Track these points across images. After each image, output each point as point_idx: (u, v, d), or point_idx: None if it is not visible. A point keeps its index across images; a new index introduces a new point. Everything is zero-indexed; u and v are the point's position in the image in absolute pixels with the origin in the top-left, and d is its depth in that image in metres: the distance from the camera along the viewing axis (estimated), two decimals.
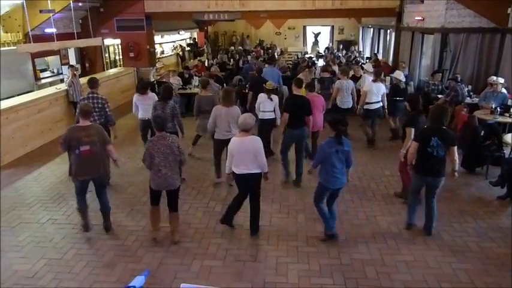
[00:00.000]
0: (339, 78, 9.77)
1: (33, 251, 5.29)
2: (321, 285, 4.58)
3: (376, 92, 9.02)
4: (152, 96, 8.00)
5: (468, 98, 10.12)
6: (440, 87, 10.98)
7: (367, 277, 4.73)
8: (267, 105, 7.93)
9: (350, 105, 9.54)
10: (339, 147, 5.13)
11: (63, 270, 4.89)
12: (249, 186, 5.48)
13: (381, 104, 9.14)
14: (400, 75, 9.78)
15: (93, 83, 7.14)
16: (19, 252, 5.26)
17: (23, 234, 5.66)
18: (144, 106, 7.83)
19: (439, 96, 10.65)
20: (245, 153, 5.21)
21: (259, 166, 5.29)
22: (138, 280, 1.72)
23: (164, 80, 11.54)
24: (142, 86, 8.17)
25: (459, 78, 10.27)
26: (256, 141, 5.23)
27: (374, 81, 9.21)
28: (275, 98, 8.03)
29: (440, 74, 11.23)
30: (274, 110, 7.98)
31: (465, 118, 8.55)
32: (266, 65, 12.20)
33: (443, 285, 4.56)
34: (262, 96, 8.03)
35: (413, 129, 5.93)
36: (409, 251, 5.21)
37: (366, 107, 9.12)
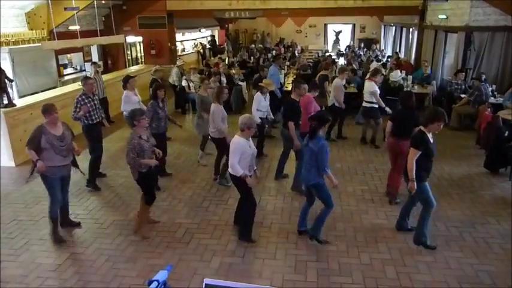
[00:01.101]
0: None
1: (56, 245, 5.39)
2: (340, 284, 4.56)
3: (366, 91, 9.00)
4: (125, 92, 8.11)
5: (492, 98, 9.93)
6: (463, 86, 10.80)
7: (386, 277, 4.68)
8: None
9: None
10: (309, 142, 5.06)
11: (85, 264, 4.99)
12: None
13: (370, 104, 8.91)
14: (395, 73, 9.72)
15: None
16: (42, 246, 5.38)
17: (46, 228, 5.76)
18: None
19: (462, 95, 10.48)
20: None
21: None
22: (161, 274, 1.73)
23: (157, 78, 10.76)
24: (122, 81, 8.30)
25: (483, 78, 10.09)
26: (231, 142, 5.15)
27: (368, 79, 9.22)
28: (255, 95, 8.21)
29: (464, 74, 11.03)
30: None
31: (489, 118, 8.40)
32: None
33: (465, 287, 4.49)
34: None
35: (391, 123, 6.29)
36: (430, 251, 5.13)
37: None
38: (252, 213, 5.40)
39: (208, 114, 7.42)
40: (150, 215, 5.91)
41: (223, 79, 11.93)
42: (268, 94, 8.31)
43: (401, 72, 12.12)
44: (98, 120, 7.15)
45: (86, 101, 6.92)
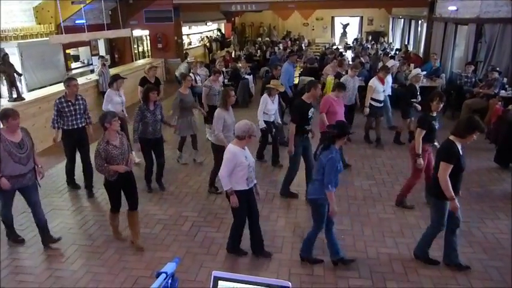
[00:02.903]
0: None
1: (64, 237, 5.41)
2: (346, 279, 4.55)
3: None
4: (108, 90, 7.82)
5: (503, 91, 9.80)
6: (473, 79, 10.67)
7: (394, 272, 4.67)
8: None
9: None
10: (320, 153, 4.56)
11: (94, 256, 5.02)
12: None
13: (373, 101, 8.61)
14: (416, 71, 9.49)
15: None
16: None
17: (55, 221, 5.82)
18: None
19: (474, 89, 10.33)
20: None
21: None
22: (169, 267, 1.73)
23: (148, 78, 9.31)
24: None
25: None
26: (226, 152, 4.64)
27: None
28: (262, 97, 7.66)
29: (473, 66, 10.89)
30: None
31: (499, 112, 8.31)
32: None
33: (474, 283, 4.45)
34: None
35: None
36: (438, 246, 5.05)
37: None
38: (237, 230, 4.92)
39: (189, 114, 7.42)
40: (119, 230, 5.46)
41: (221, 78, 11.44)
42: (277, 96, 7.69)
43: (409, 65, 12.02)
44: (79, 126, 6.51)
45: (65, 104, 6.33)
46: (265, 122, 7.51)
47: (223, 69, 12.10)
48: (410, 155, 6.02)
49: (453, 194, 4.32)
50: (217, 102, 6.77)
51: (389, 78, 9.32)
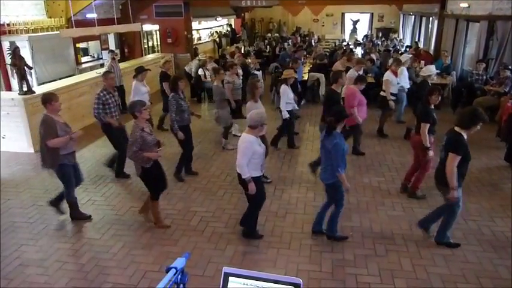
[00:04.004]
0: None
1: (73, 230, 5.49)
2: (355, 276, 4.54)
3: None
4: (134, 83, 8.28)
5: None
6: (484, 77, 10.55)
7: (402, 269, 4.64)
8: None
9: None
10: (326, 139, 4.76)
11: (102, 249, 5.05)
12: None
13: (385, 94, 8.87)
14: (427, 69, 9.43)
15: None
16: (61, 231, 5.49)
17: (65, 214, 5.85)
18: None
19: (485, 87, 10.22)
20: None
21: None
22: (179, 262, 1.74)
23: (165, 71, 9.72)
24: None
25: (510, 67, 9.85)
26: (241, 140, 4.77)
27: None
28: (281, 89, 7.93)
29: (484, 64, 10.76)
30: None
31: (510, 110, 8.20)
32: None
33: (483, 281, 4.42)
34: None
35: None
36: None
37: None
38: (256, 212, 5.17)
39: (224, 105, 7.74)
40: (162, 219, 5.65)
41: (240, 71, 11.53)
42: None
43: (419, 62, 11.91)
44: (118, 117, 6.86)
45: (108, 96, 6.65)
46: (288, 111, 7.87)
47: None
48: (414, 149, 6.20)
49: (456, 184, 4.55)
50: (240, 96, 7.51)
51: (404, 72, 9.44)
